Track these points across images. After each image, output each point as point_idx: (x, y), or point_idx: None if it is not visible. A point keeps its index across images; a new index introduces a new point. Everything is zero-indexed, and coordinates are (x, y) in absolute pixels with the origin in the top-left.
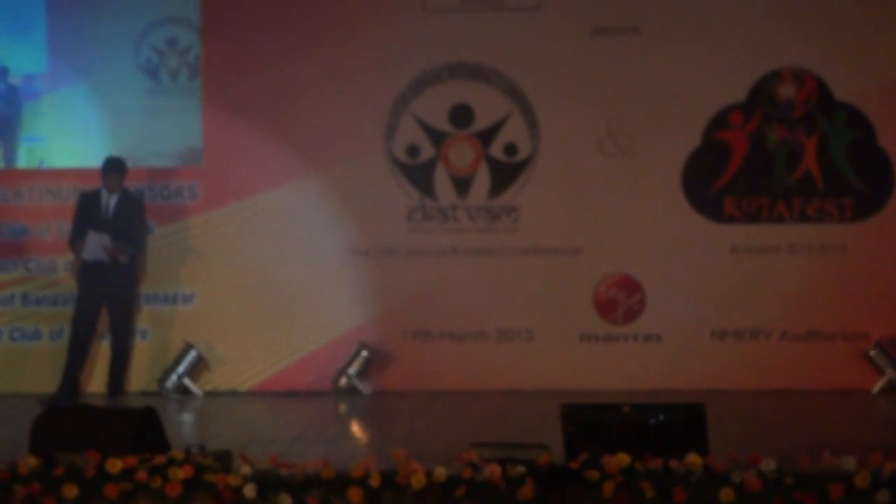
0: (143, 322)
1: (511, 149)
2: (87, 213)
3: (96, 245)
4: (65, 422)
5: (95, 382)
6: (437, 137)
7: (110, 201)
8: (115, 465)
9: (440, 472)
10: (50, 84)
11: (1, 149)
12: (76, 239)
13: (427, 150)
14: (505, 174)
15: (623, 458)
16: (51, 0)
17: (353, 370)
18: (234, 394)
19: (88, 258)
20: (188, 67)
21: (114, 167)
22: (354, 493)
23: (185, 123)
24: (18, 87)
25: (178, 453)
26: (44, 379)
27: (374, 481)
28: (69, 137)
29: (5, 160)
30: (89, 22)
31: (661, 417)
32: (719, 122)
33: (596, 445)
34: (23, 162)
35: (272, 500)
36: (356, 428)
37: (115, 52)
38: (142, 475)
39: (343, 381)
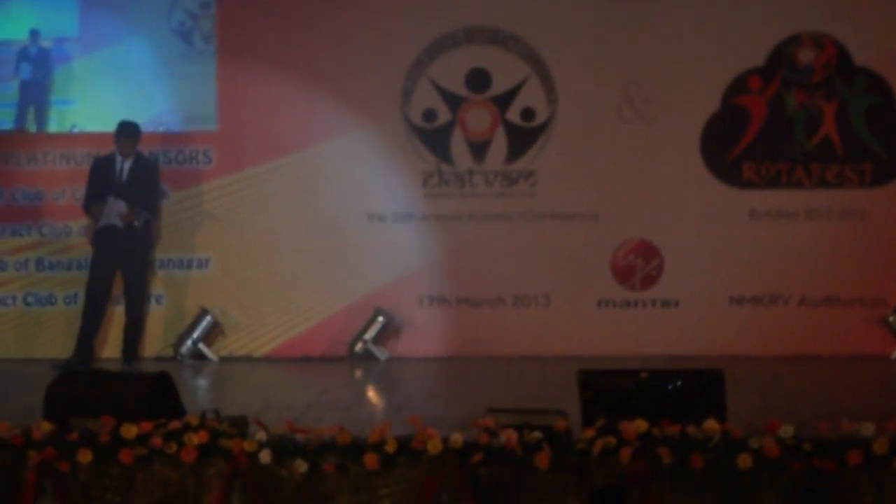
0: (157, 287)
1: (528, 113)
2: (102, 177)
3: (111, 211)
4: (79, 387)
5: (110, 347)
6: (453, 102)
7: (125, 166)
8: (130, 430)
9: (456, 438)
10: (82, 48)
11: (32, 112)
12: (90, 203)
13: (444, 115)
14: (522, 139)
15: (640, 424)
16: None
17: (369, 336)
18: (249, 359)
19: (103, 224)
20: None
21: (127, 132)
22: (370, 459)
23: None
24: (50, 51)
25: (193, 419)
26: (58, 344)
27: (391, 447)
28: (101, 102)
29: (37, 124)
30: None
31: (679, 383)
32: (738, 86)
33: (613, 411)
34: (54, 126)
35: (288, 466)
36: (372, 394)
37: (147, 16)
38: (157, 440)
39: (359, 347)
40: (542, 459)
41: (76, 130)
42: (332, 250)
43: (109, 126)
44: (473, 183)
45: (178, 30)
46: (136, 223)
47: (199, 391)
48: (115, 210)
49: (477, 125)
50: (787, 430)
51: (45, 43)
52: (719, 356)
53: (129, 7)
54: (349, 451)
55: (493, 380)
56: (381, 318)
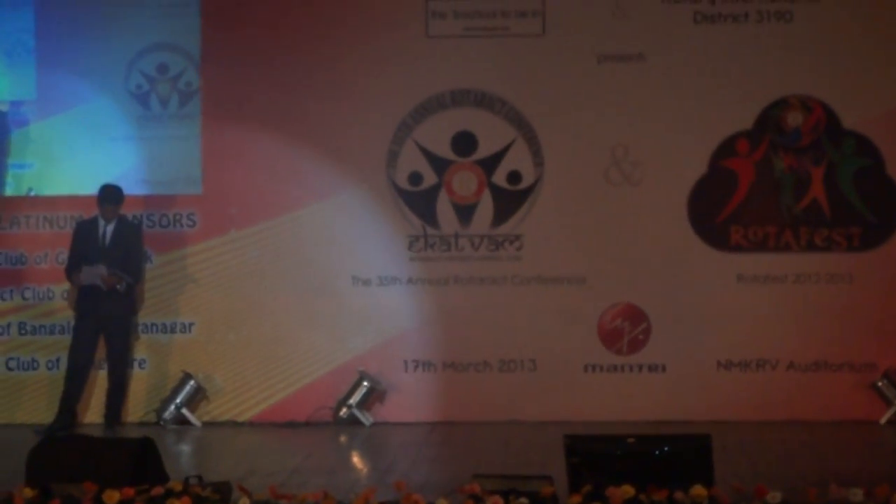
0: (140, 351)
1: (515, 176)
2: (84, 241)
3: (93, 275)
4: (62, 452)
5: (93, 412)
6: (439, 165)
7: (107, 229)
8: (113, 496)
9: None
10: (39, 111)
11: None
12: (73, 268)
13: (429, 178)
14: (508, 202)
15: (627, 490)
16: (41, 26)
17: (353, 400)
18: (233, 424)
19: (85, 285)
20: (179, 94)
21: (110, 196)
22: None
23: (175, 151)
24: (6, 113)
25: (176, 484)
26: (41, 409)
27: None
28: (58, 165)
29: None
30: (79, 48)
31: (666, 448)
32: (726, 149)
33: (600, 476)
34: (10, 189)
35: None
36: (357, 459)
37: (105, 79)
38: None
39: (344, 412)
40: None
41: (32, 194)
42: (317, 314)
43: (66, 189)
44: (459, 246)
45: (136, 93)
46: (119, 287)
47: (182, 457)
48: (96, 274)
49: (463, 188)
50: (775, 496)
51: (2, 106)
52: (707, 421)
53: (87, 71)
54: None
55: (479, 445)
56: (365, 383)
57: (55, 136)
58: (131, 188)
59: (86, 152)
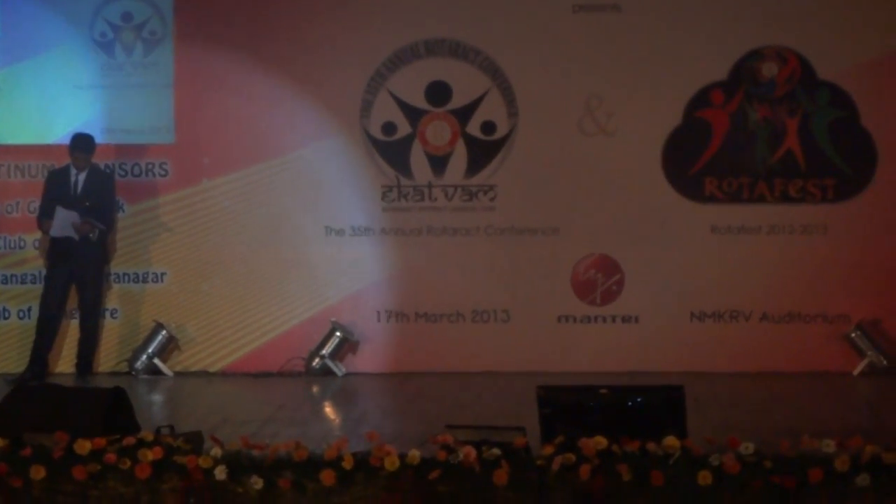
0: (112, 301)
1: (489, 127)
2: (56, 190)
3: (65, 221)
4: (33, 402)
5: (64, 362)
6: (413, 115)
7: (79, 178)
8: (84, 446)
9: (414, 455)
10: (3, 59)
11: None
12: (45, 217)
13: (403, 128)
14: (482, 152)
15: (600, 441)
16: None
17: (326, 351)
18: (204, 374)
19: (57, 235)
20: (143, 42)
21: (81, 144)
22: (327, 476)
23: (144, 99)
24: None
25: (147, 434)
26: (12, 358)
27: (347, 463)
28: (25, 113)
29: None
30: None
31: (639, 400)
32: (700, 100)
33: (572, 428)
34: None
35: (243, 483)
36: (329, 409)
37: (70, 27)
38: (111, 456)
39: (316, 362)
40: (501, 476)
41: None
42: (290, 264)
43: (31, 138)
44: (433, 197)
45: (100, 41)
46: (92, 235)
47: (153, 407)
48: (68, 220)
49: (437, 138)
50: (747, 447)
51: None
52: (680, 372)
53: (51, 19)
54: (305, 467)
55: (452, 396)
56: (338, 334)
57: (20, 84)
58: (100, 137)
59: (52, 100)
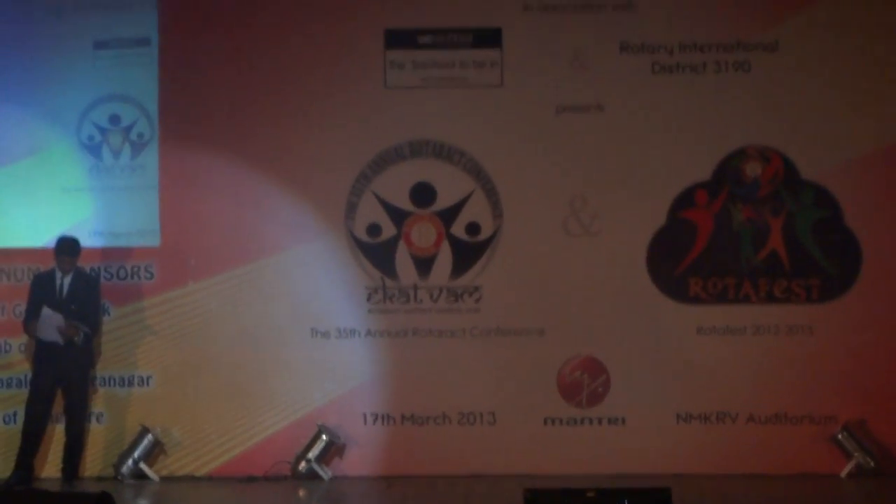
0: (98, 405)
1: (474, 228)
2: (42, 293)
3: (50, 325)
4: None
5: (50, 467)
6: (398, 216)
7: (64, 281)
8: None
9: None
10: None
11: None
12: (30, 321)
13: (388, 229)
14: (467, 254)
15: None
16: None
17: (312, 454)
18: (191, 479)
19: (43, 338)
20: (131, 145)
21: (67, 248)
22: None
23: (131, 202)
24: None
25: None
26: None
27: None
28: (12, 216)
29: None
30: (33, 99)
31: (626, 502)
32: (685, 200)
33: None
34: None
35: None
36: None
37: (58, 130)
38: None
39: (302, 466)
40: None
41: None
42: (276, 367)
43: (20, 241)
44: (418, 298)
45: (87, 144)
46: (77, 339)
47: None
48: (53, 324)
49: (422, 240)
50: None
51: None
52: (667, 474)
53: (40, 121)
54: None
55: (439, 499)
56: (324, 437)
57: (8, 187)
58: (87, 240)
59: (40, 203)
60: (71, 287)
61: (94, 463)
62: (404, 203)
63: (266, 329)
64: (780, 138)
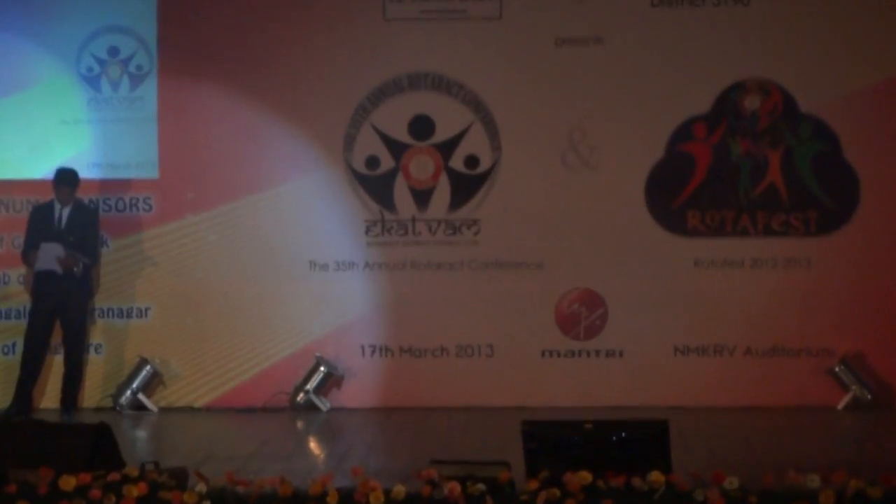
0: (96, 337)
1: (472, 160)
2: (40, 225)
3: (50, 256)
4: (17, 438)
5: (49, 398)
6: (396, 149)
7: (63, 213)
8: (69, 482)
9: (399, 490)
10: None
11: None
12: (29, 252)
13: (386, 162)
14: (465, 186)
15: (585, 476)
16: None
17: (310, 386)
18: (189, 410)
19: (42, 269)
20: (129, 77)
21: (65, 179)
22: None
23: (129, 134)
24: None
25: (132, 470)
26: None
27: (332, 499)
28: (11, 148)
29: None
30: (31, 30)
31: (624, 434)
32: (683, 133)
33: (557, 462)
34: None
35: None
36: (314, 445)
37: (56, 61)
38: (96, 492)
39: (301, 397)
40: None
41: None
42: (274, 299)
43: (19, 173)
44: (416, 231)
45: (86, 76)
46: (76, 269)
47: (138, 442)
48: (53, 254)
49: (420, 172)
50: (732, 482)
51: None
52: (664, 407)
53: (39, 54)
54: (290, 503)
55: (436, 431)
56: (322, 368)
57: (6, 119)
58: (86, 172)
59: (38, 135)
60: (70, 218)
61: (92, 394)
62: (403, 136)
63: (264, 261)
64: (780, 71)
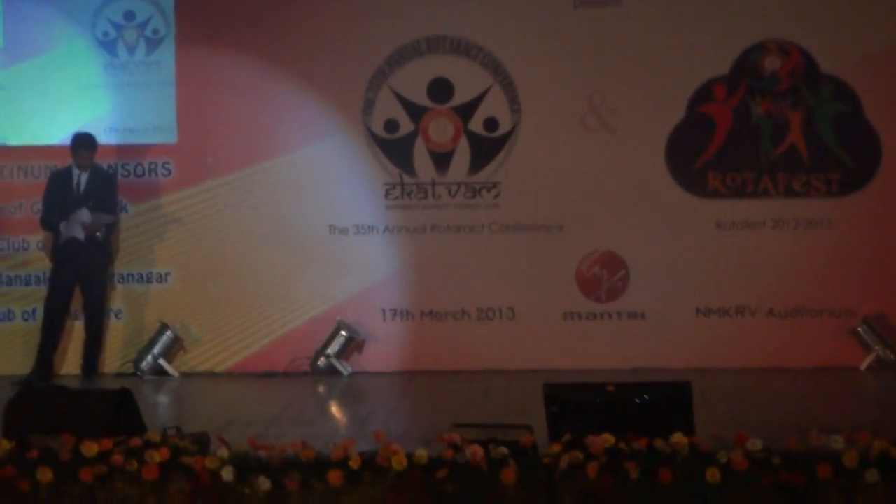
0: (116, 302)
1: (491, 123)
2: (59, 190)
3: (75, 223)
4: (39, 404)
5: (70, 363)
6: (415, 112)
7: (82, 178)
8: (91, 448)
9: (421, 454)
10: (6, 59)
11: None
12: (48, 217)
13: (406, 125)
14: (485, 149)
15: (607, 438)
16: None
17: (331, 350)
18: (210, 375)
19: (66, 236)
20: (146, 41)
21: (84, 143)
22: (334, 475)
23: (147, 99)
24: None
25: (154, 436)
26: (17, 360)
27: (354, 463)
28: (28, 113)
29: None
30: None
31: (646, 396)
32: (703, 95)
33: (580, 425)
34: None
35: (250, 483)
36: (335, 409)
37: (72, 27)
38: (118, 458)
39: (322, 362)
40: (509, 475)
41: (2, 144)
42: (294, 263)
43: (36, 138)
44: (436, 194)
45: (102, 40)
46: (99, 234)
47: (160, 408)
48: (78, 221)
49: (439, 135)
50: (755, 444)
51: None
52: (686, 369)
53: (54, 18)
54: (313, 467)
55: (458, 394)
56: (343, 333)
57: (23, 84)
58: (103, 137)
59: (55, 100)
60: (88, 183)
61: (113, 359)
62: (422, 99)
63: (284, 226)
64: (800, 32)
